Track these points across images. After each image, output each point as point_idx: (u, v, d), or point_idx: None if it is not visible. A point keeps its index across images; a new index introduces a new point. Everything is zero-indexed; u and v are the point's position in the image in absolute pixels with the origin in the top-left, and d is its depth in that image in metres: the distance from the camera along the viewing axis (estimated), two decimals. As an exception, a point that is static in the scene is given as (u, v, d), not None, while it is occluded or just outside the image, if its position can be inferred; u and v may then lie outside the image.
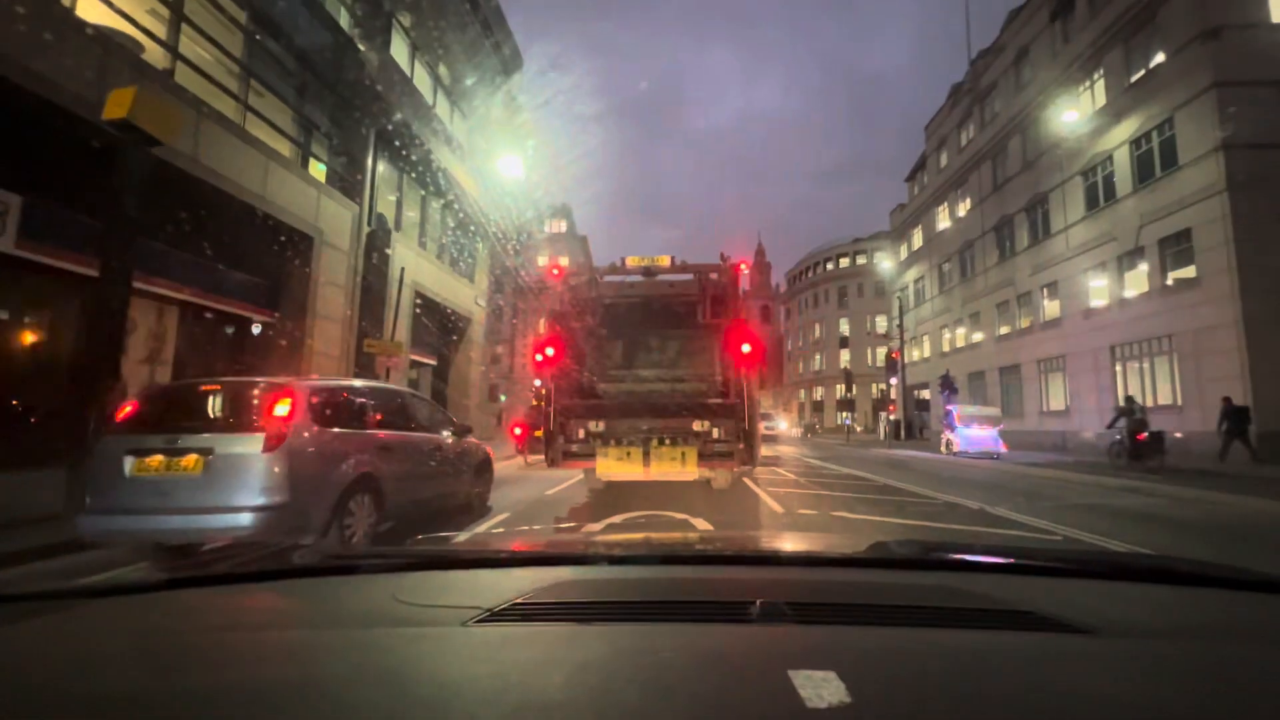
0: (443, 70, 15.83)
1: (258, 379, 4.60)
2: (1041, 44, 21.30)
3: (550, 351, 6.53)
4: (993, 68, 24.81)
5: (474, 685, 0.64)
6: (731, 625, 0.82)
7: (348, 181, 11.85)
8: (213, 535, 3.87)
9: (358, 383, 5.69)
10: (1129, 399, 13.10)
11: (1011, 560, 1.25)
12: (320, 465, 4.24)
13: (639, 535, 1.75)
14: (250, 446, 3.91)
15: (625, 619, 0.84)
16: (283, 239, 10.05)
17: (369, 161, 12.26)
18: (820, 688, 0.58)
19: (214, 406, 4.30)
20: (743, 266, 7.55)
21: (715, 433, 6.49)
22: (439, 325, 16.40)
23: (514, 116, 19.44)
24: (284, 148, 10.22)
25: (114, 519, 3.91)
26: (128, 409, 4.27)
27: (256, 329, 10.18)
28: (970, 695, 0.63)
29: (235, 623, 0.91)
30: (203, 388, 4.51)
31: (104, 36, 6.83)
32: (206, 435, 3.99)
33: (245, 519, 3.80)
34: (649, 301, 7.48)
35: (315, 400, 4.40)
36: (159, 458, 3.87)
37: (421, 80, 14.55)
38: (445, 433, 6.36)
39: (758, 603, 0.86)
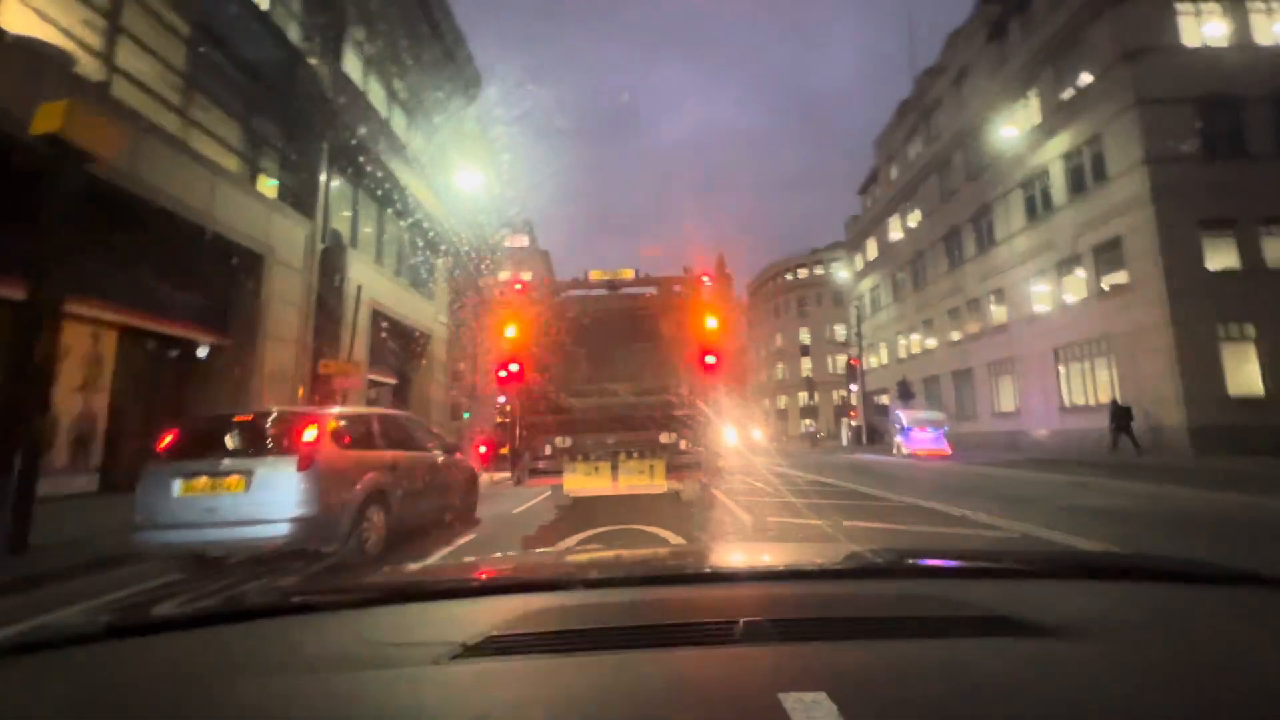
0: (398, 85, 15.60)
1: (285, 409, 5.22)
2: (980, 64, 22.47)
3: (514, 368, 6.47)
4: (936, 86, 26.03)
5: None
6: (715, 648, 0.81)
7: (300, 198, 11.49)
8: (256, 544, 4.40)
9: (367, 410, 6.39)
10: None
11: (985, 565, 1.28)
12: (342, 482, 4.76)
13: (612, 554, 1.72)
14: (286, 467, 4.43)
15: (605, 647, 0.81)
16: (231, 258, 9.66)
17: (322, 177, 11.93)
18: (811, 711, 0.58)
19: (248, 434, 4.78)
20: (705, 279, 7.63)
21: (682, 444, 6.51)
22: (399, 343, 16.00)
23: (475, 133, 19.30)
24: (231, 163, 9.86)
25: (166, 533, 4.34)
26: (169, 439, 4.66)
27: (203, 352, 9.71)
28: (959, 710, 0.63)
29: (184, 673, 0.84)
30: (236, 418, 5.03)
31: (32, 48, 6.48)
32: (247, 458, 4.50)
33: (284, 529, 4.31)
34: (613, 315, 7.47)
35: (335, 426, 4.96)
36: (204, 479, 4.37)
37: (376, 95, 14.31)
38: (436, 451, 6.71)
39: (740, 622, 0.85)
